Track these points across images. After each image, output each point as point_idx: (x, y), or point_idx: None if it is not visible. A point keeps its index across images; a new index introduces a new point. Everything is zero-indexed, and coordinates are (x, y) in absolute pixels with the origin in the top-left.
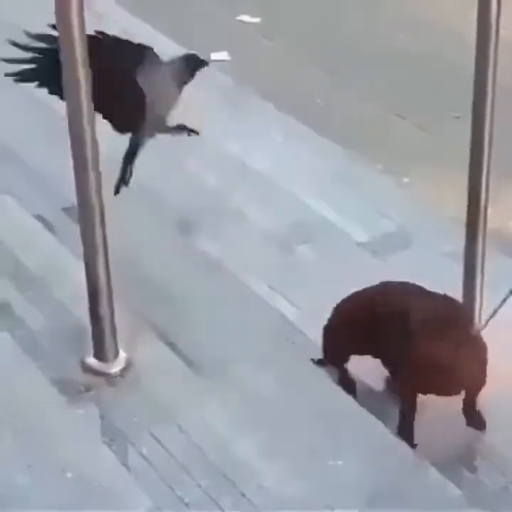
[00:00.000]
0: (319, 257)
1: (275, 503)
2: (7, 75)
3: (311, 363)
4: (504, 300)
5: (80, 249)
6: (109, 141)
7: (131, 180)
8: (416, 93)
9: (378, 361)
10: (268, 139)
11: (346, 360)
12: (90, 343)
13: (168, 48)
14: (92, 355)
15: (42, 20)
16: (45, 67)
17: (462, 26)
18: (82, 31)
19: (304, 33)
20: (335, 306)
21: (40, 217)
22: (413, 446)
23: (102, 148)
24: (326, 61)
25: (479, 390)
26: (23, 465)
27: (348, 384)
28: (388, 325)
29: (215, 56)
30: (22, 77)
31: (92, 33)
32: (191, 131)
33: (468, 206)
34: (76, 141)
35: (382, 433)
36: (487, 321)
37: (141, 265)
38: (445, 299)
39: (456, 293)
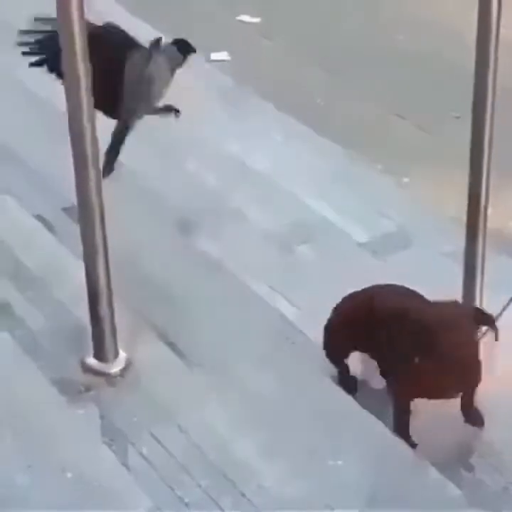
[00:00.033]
0: (319, 257)
1: (275, 503)
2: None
3: (311, 362)
4: (504, 308)
5: (80, 249)
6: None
7: (131, 180)
8: (416, 93)
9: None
10: (268, 139)
11: (346, 357)
12: (90, 343)
13: None
14: (92, 355)
15: None
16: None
17: (462, 26)
18: (83, 30)
19: (304, 33)
20: (335, 305)
21: (40, 217)
22: (413, 446)
23: (102, 146)
24: (326, 61)
25: (476, 387)
26: (23, 465)
27: (348, 382)
28: (383, 328)
29: (215, 56)
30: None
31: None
32: (177, 111)
33: (468, 206)
34: (76, 138)
35: (382, 433)
36: (486, 331)
37: (141, 265)
38: (443, 303)
39: (456, 293)
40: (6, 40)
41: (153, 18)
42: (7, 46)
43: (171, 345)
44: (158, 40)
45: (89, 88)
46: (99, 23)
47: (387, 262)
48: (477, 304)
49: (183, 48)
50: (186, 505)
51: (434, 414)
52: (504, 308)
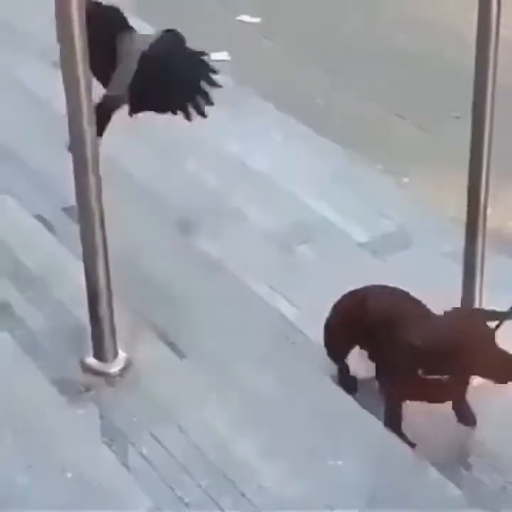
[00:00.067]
0: (319, 257)
1: (275, 503)
2: None
3: (311, 362)
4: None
5: (80, 249)
6: (109, 141)
7: (131, 181)
8: (416, 93)
9: None
10: (268, 139)
11: (346, 355)
12: (90, 343)
13: None
14: (91, 355)
15: (42, 20)
16: None
17: (462, 26)
18: (82, 30)
19: (304, 33)
20: (334, 303)
21: (40, 217)
22: (411, 444)
23: (102, 148)
24: (326, 61)
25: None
26: (23, 465)
27: (348, 382)
28: (379, 330)
29: (215, 56)
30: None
31: None
32: None
33: (468, 206)
34: (76, 141)
35: (382, 433)
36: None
37: (141, 265)
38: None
39: (456, 293)
40: (6, 40)
41: (153, 18)
42: (7, 46)
43: (171, 345)
44: None
45: (89, 90)
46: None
47: (387, 262)
48: (476, 304)
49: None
50: (186, 505)
51: (430, 413)
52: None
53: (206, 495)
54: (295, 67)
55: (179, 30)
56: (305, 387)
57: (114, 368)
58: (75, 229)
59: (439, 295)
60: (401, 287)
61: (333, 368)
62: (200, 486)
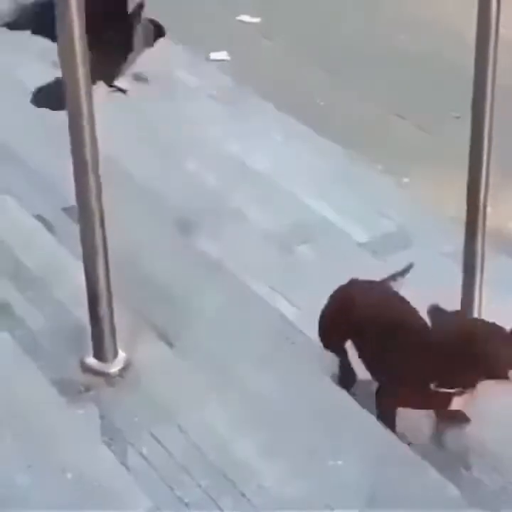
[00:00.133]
0: (319, 257)
1: (275, 503)
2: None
3: (311, 362)
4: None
5: (80, 249)
6: (109, 141)
7: (131, 180)
8: (416, 93)
9: None
10: (268, 139)
11: (342, 344)
12: (90, 343)
13: (167, 48)
14: (91, 355)
15: None
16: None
17: (462, 26)
18: (82, 31)
19: (304, 33)
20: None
21: (40, 217)
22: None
23: (102, 148)
24: (326, 61)
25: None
26: (23, 465)
27: (347, 375)
28: (371, 328)
29: (215, 56)
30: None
31: None
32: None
33: (468, 206)
34: (76, 141)
35: (382, 433)
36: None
37: (141, 265)
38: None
39: (456, 293)
40: (6, 40)
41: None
42: (7, 46)
43: (171, 345)
44: (141, 5)
45: (89, 91)
46: None
47: (387, 262)
48: (476, 304)
49: (153, 28)
50: (186, 505)
51: (429, 413)
52: None
53: (206, 495)
54: (295, 67)
55: (179, 30)
56: (305, 387)
57: (114, 368)
58: (75, 229)
59: (439, 295)
60: (401, 287)
61: (333, 368)
62: (200, 486)
